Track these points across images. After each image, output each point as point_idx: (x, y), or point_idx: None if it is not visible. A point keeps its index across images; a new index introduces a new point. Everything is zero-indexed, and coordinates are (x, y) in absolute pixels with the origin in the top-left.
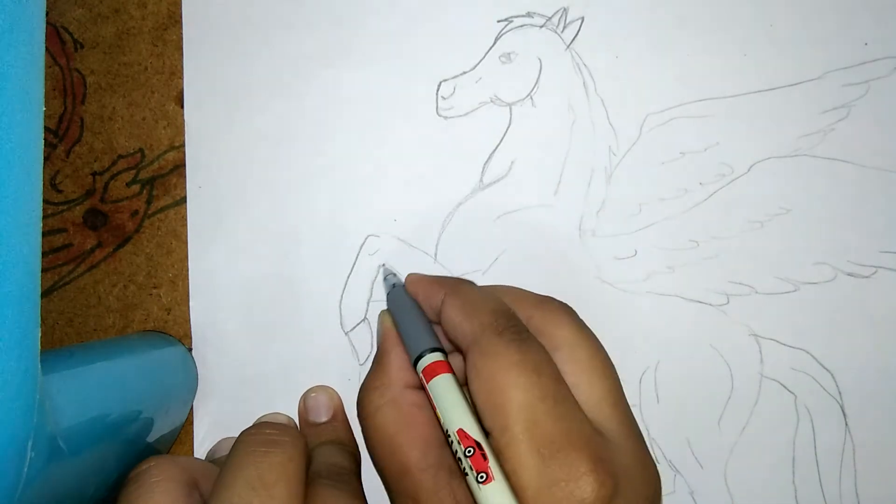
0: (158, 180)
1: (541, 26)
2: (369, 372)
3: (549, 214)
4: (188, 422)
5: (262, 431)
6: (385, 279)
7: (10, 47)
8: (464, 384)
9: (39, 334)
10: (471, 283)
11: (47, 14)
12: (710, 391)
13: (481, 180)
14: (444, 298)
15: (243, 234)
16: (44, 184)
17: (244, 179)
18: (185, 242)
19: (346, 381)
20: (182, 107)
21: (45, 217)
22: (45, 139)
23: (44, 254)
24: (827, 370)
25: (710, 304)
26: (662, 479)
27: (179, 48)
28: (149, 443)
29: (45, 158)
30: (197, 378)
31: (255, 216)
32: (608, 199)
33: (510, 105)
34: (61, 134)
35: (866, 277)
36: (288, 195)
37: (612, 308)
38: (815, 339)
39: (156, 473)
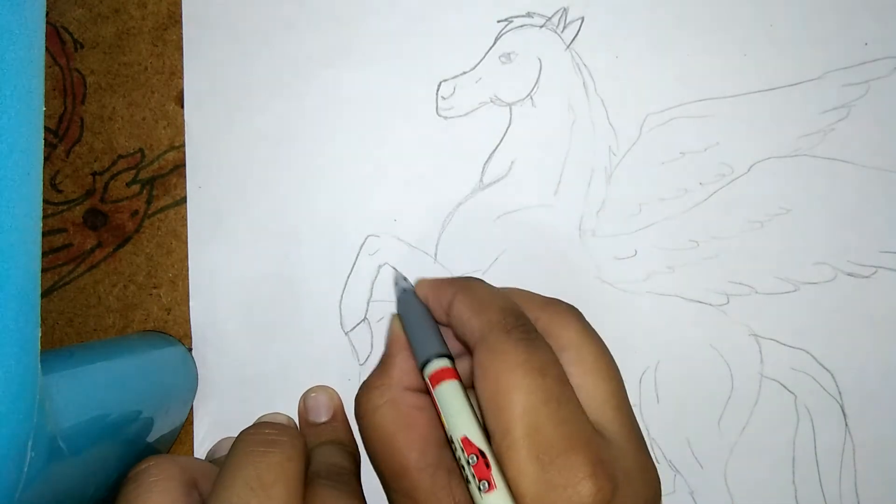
0: (158, 180)
1: (541, 26)
2: (372, 372)
3: (549, 214)
4: (188, 422)
5: (261, 431)
6: (395, 284)
7: (10, 47)
8: (469, 385)
9: (39, 334)
10: (480, 281)
11: (47, 14)
12: (710, 391)
13: (481, 180)
14: (454, 295)
15: (243, 234)
16: (44, 184)
17: (244, 179)
18: (185, 242)
19: (346, 381)
20: (182, 107)
21: (45, 217)
22: (45, 139)
23: (44, 254)
24: (827, 370)
25: (710, 304)
26: (662, 479)
27: (179, 48)
28: (149, 443)
29: (45, 158)
30: (197, 378)
31: (255, 216)
32: (608, 199)
33: (510, 105)
34: (61, 134)
35: (866, 277)
36: (288, 195)
37: (612, 308)
38: (815, 339)
39: (155, 473)
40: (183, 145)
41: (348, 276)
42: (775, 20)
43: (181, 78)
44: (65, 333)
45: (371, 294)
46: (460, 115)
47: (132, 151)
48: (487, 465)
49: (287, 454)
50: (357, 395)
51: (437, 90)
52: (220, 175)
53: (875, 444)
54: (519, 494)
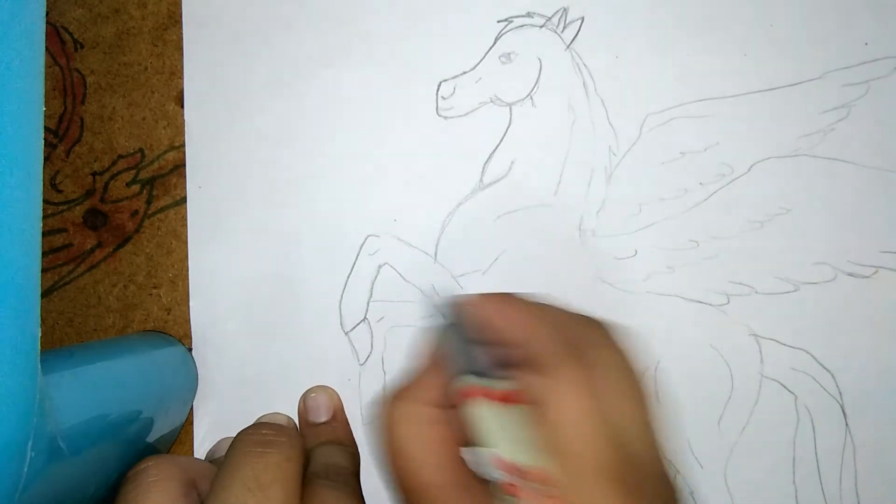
0: (158, 180)
1: (541, 26)
2: (399, 384)
3: (549, 214)
4: (188, 422)
5: (259, 432)
6: (431, 298)
7: (10, 47)
8: (505, 402)
9: (39, 334)
10: (520, 297)
11: (47, 14)
12: (710, 391)
13: (481, 180)
14: (497, 312)
15: (243, 234)
16: (44, 184)
17: (244, 179)
18: (185, 242)
19: (345, 381)
20: (182, 107)
21: (45, 217)
22: (45, 139)
23: (44, 254)
24: (827, 370)
25: (710, 304)
26: None
27: (179, 48)
28: (149, 443)
29: (45, 158)
30: (197, 378)
31: (255, 216)
32: (608, 199)
33: (510, 105)
34: (61, 134)
35: (866, 277)
36: (288, 195)
37: (612, 308)
38: (815, 339)
39: (154, 473)
40: (183, 145)
41: (348, 276)
42: (775, 20)
43: (181, 78)
44: (65, 333)
45: (371, 294)
46: (460, 115)
47: (132, 151)
48: (521, 484)
49: (285, 454)
50: (382, 406)
51: (437, 90)
52: (220, 175)
53: (875, 444)
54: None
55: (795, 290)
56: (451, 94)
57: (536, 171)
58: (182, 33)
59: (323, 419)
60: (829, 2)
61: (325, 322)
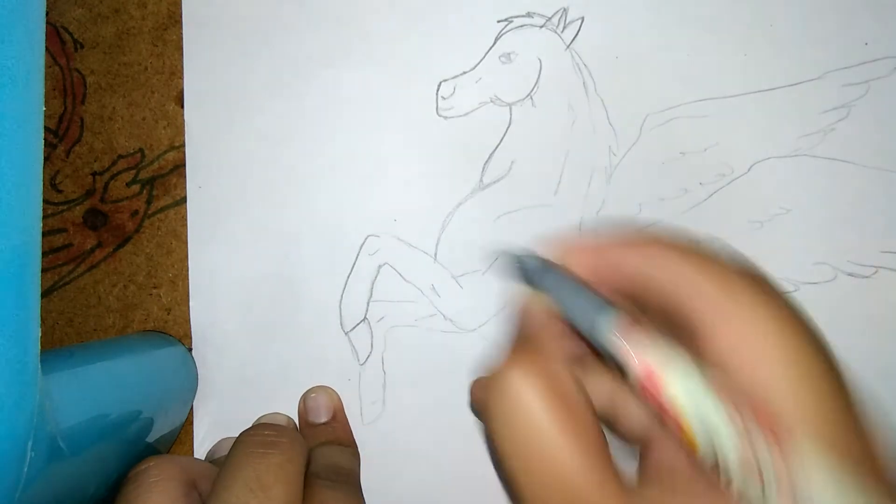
0: (158, 180)
1: (541, 26)
2: (502, 356)
3: (549, 214)
4: (188, 422)
5: (261, 433)
6: (518, 259)
7: (10, 47)
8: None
9: (39, 334)
10: (658, 236)
11: (47, 14)
12: None
13: (481, 180)
14: (649, 254)
15: (243, 234)
16: (44, 184)
17: (244, 179)
18: (185, 242)
19: (346, 381)
20: (182, 107)
21: (45, 217)
22: (45, 139)
23: (44, 254)
24: None
25: None
26: None
27: (179, 48)
28: (149, 443)
29: (45, 158)
30: (197, 378)
31: (255, 216)
32: (608, 199)
33: (510, 105)
34: (61, 134)
35: (866, 277)
36: (288, 195)
37: None
38: None
39: (154, 473)
40: (183, 145)
41: (348, 276)
42: (775, 20)
43: (181, 78)
44: (65, 333)
45: (371, 294)
46: (460, 115)
47: (132, 151)
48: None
49: (287, 455)
50: (484, 382)
51: (437, 90)
52: (220, 175)
53: None
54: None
55: (795, 290)
56: (451, 94)
57: (536, 171)
58: (182, 33)
59: (323, 419)
60: (829, 2)
61: (325, 322)
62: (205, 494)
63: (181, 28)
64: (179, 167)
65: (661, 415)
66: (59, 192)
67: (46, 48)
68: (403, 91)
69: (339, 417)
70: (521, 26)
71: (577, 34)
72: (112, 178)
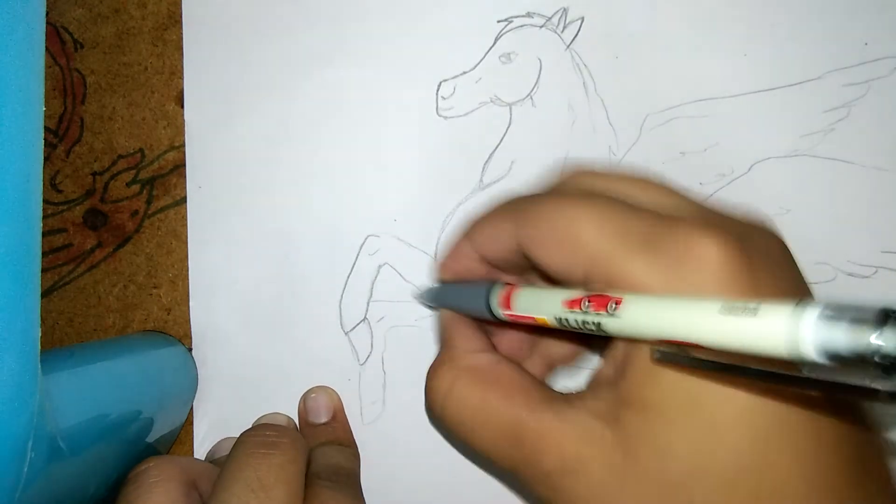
0: (158, 180)
1: (541, 26)
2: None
3: None
4: (188, 422)
5: (262, 433)
6: (421, 297)
7: (10, 47)
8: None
9: (39, 334)
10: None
11: (47, 14)
12: None
13: (481, 180)
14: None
15: (243, 234)
16: (44, 184)
17: (244, 179)
18: (185, 242)
19: (345, 381)
20: (182, 107)
21: (45, 217)
22: (45, 139)
23: (44, 254)
24: None
25: None
26: None
27: (179, 48)
28: (149, 443)
29: (45, 158)
30: (197, 378)
31: (255, 216)
32: None
33: (510, 105)
34: (61, 134)
35: (866, 277)
36: (288, 195)
37: None
38: None
39: (154, 474)
40: (183, 145)
41: (348, 276)
42: (775, 20)
43: (181, 78)
44: (65, 333)
45: (371, 294)
46: (460, 115)
47: (132, 151)
48: (600, 295)
49: (288, 456)
50: (426, 386)
51: (437, 90)
52: (220, 175)
53: None
54: (646, 290)
55: None
56: (451, 94)
57: (536, 171)
58: (182, 33)
59: (323, 420)
60: (829, 2)
61: (325, 322)
62: (205, 495)
63: (181, 28)
64: (179, 167)
65: (530, 327)
66: (59, 192)
67: (46, 48)
68: (403, 91)
69: (339, 418)
70: (521, 26)
71: (577, 34)
72: (112, 178)
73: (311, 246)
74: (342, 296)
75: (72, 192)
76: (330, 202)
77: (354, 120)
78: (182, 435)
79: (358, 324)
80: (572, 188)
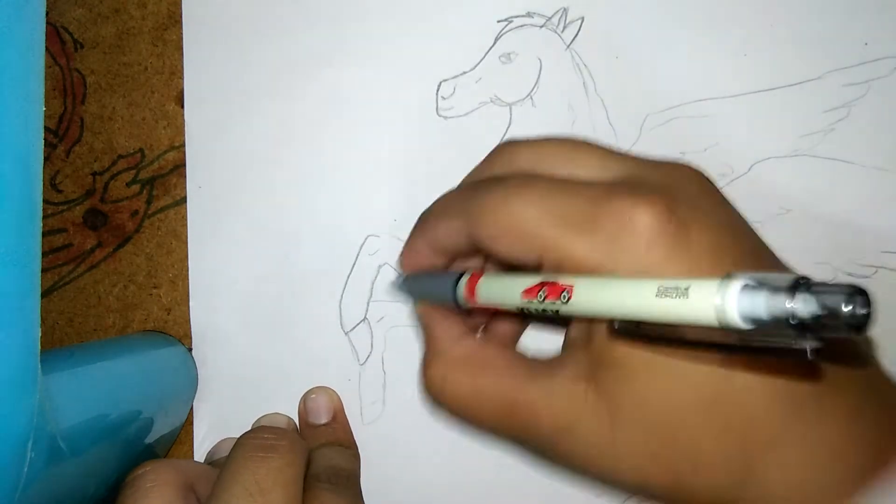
0: (158, 180)
1: (541, 26)
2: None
3: None
4: (188, 422)
5: (260, 436)
6: (396, 286)
7: (10, 47)
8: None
9: (39, 334)
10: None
11: (47, 14)
12: None
13: None
14: (471, 229)
15: (243, 234)
16: (44, 184)
17: (244, 179)
18: (185, 242)
19: (346, 381)
20: (182, 107)
21: (45, 217)
22: (45, 139)
23: (44, 254)
24: None
25: None
26: None
27: (179, 48)
28: (149, 443)
29: (45, 158)
30: (197, 378)
31: (255, 216)
32: None
33: (510, 105)
34: (61, 134)
35: (866, 277)
36: (288, 195)
37: None
38: None
39: (151, 478)
40: (183, 145)
41: (348, 276)
42: (775, 20)
43: (181, 78)
44: (65, 333)
45: (371, 294)
46: (460, 115)
47: (132, 151)
48: (553, 284)
49: (286, 459)
50: (422, 383)
51: (437, 90)
52: (220, 175)
53: None
54: (593, 268)
55: None
56: (451, 94)
57: None
58: (182, 33)
59: (323, 420)
60: (829, 2)
61: (325, 322)
62: (203, 498)
63: (181, 28)
64: (179, 167)
65: (494, 313)
66: (59, 192)
67: (46, 48)
68: (403, 91)
69: (339, 418)
70: (521, 26)
71: (577, 34)
72: (112, 178)
73: (311, 246)
74: (342, 296)
75: (72, 192)
76: (330, 202)
77: (354, 120)
78: (182, 435)
79: (358, 324)
80: (509, 170)
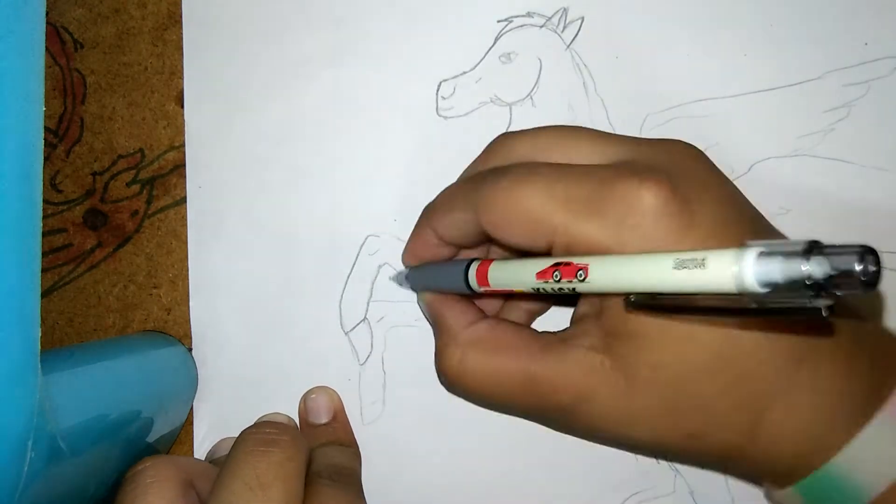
0: (158, 180)
1: (541, 26)
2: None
3: None
4: (188, 422)
5: (262, 430)
6: (399, 281)
7: (10, 47)
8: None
9: (39, 334)
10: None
11: (47, 14)
12: None
13: None
14: (479, 214)
15: (243, 234)
16: (44, 184)
17: (244, 179)
18: (185, 242)
19: (346, 381)
20: (182, 107)
21: (45, 217)
22: (45, 139)
23: (44, 254)
24: None
25: None
26: (662, 479)
27: (179, 48)
28: (149, 443)
29: (45, 158)
30: (197, 378)
31: (255, 216)
32: None
33: (510, 105)
34: (61, 134)
35: None
36: (288, 195)
37: None
38: None
39: (151, 474)
40: (183, 145)
41: (348, 276)
42: (775, 20)
43: (181, 78)
44: (65, 333)
45: (371, 294)
46: (460, 115)
47: (132, 151)
48: (567, 265)
49: (287, 454)
50: (438, 369)
51: (437, 90)
52: (220, 175)
53: None
54: (605, 249)
55: None
56: (451, 94)
57: None
58: (182, 33)
59: (323, 420)
60: (829, 2)
61: (325, 322)
62: (203, 494)
63: (181, 28)
64: (179, 167)
65: (508, 296)
66: (59, 192)
67: (46, 48)
68: (403, 91)
69: (339, 418)
70: (521, 26)
71: (577, 34)
72: (112, 178)
73: (311, 246)
74: (342, 296)
75: (72, 192)
76: (330, 202)
77: (354, 120)
78: (182, 435)
79: (358, 324)
80: (508, 161)
